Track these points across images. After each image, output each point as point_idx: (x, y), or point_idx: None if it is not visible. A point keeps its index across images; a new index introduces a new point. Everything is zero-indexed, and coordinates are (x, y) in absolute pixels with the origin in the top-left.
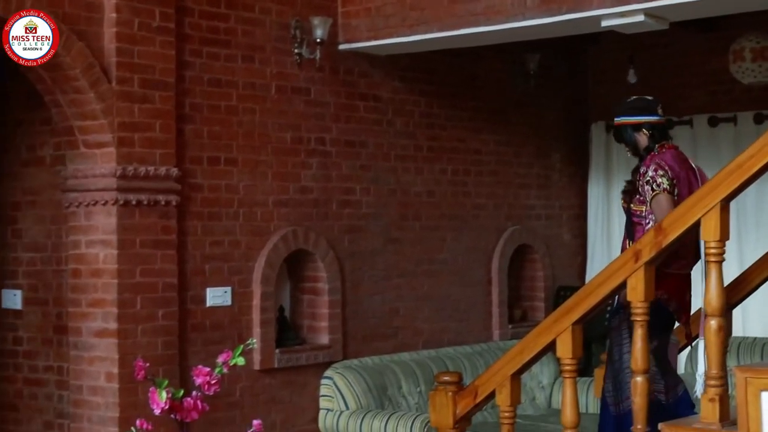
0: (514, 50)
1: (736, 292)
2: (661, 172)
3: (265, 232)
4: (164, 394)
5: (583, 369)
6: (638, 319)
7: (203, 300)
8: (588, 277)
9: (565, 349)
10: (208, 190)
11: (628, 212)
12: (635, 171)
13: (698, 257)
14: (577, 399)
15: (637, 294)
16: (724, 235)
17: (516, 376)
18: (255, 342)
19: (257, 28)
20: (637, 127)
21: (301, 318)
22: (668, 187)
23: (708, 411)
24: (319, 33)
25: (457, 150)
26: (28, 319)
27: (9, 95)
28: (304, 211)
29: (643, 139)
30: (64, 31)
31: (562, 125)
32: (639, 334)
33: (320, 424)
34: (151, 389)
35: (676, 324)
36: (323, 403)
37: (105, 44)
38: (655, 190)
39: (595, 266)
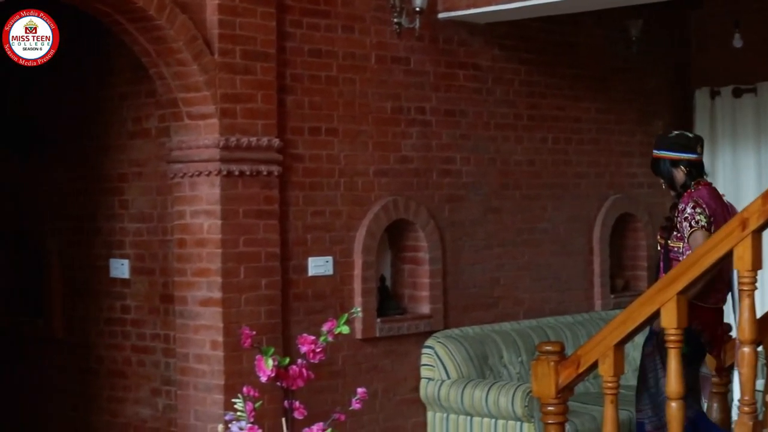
0: (614, 16)
1: None
2: (699, 210)
3: (366, 202)
4: (270, 362)
5: None
6: (745, 288)
7: (305, 269)
8: None
9: (669, 320)
10: (310, 161)
11: (666, 248)
12: (673, 207)
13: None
14: (681, 370)
15: (744, 263)
16: None
17: (619, 346)
18: (359, 311)
19: None
20: (676, 162)
21: (402, 287)
22: (706, 224)
23: None
24: (418, 2)
25: (558, 118)
26: (136, 288)
27: (114, 68)
28: (405, 181)
29: (680, 175)
30: (167, 4)
31: (665, 92)
32: (746, 304)
33: (421, 393)
34: (257, 357)
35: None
36: (424, 372)
37: (207, 16)
38: (693, 227)
39: None
